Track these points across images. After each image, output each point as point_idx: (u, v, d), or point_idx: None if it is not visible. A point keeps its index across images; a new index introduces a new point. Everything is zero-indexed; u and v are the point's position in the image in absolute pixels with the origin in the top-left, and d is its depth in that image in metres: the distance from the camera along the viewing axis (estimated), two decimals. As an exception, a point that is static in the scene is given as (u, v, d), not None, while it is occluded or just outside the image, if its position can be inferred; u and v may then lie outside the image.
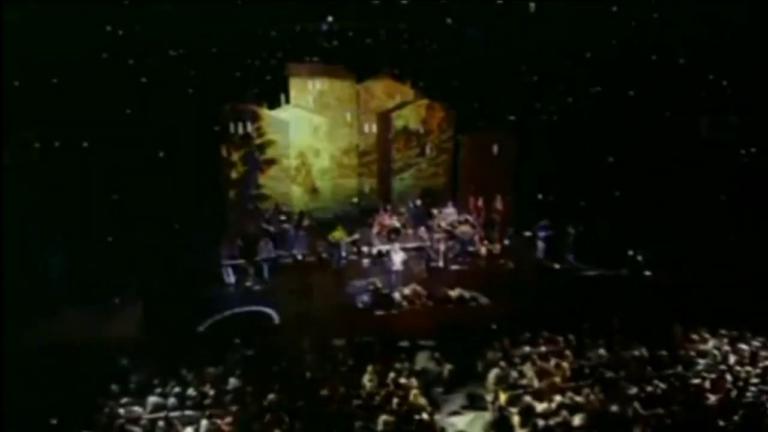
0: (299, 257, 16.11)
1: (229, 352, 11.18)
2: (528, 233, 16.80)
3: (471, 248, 16.16)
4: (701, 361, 10.71)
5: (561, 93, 17.15)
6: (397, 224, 16.49)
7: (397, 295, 13.62)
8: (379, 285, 13.98)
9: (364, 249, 15.99)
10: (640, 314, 12.12)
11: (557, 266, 15.62)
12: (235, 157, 17.10)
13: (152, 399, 9.83)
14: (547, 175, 16.85)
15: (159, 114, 14.98)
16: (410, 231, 16.34)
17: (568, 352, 10.81)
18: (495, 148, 18.03)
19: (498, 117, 18.24)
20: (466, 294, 13.76)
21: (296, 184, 18.18)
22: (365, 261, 15.79)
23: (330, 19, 15.38)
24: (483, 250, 16.26)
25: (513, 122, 18.09)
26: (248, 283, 14.88)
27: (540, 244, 16.00)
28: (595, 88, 16.64)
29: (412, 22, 17.12)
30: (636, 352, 10.78)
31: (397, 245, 14.92)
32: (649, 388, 9.76)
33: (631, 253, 15.24)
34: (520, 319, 12.15)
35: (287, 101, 18.02)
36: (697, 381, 10.11)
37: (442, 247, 15.71)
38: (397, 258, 14.44)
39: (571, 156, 16.55)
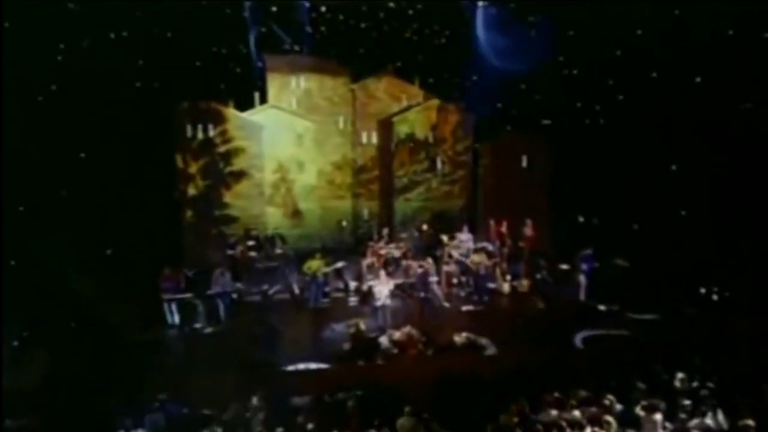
0: (269, 293, 15.46)
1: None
2: (565, 266, 16.10)
3: (491, 284, 15.45)
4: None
5: (608, 89, 16.48)
6: (397, 254, 16.01)
7: (384, 340, 12.71)
8: (363, 327, 13.02)
9: (353, 284, 15.44)
10: (714, 370, 10.98)
11: (603, 308, 14.65)
12: (194, 168, 16.59)
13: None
14: (591, 192, 16.17)
15: (95, 112, 14.46)
16: (412, 263, 15.56)
17: (610, 419, 9.44)
18: (524, 160, 17.67)
19: (528, 120, 17.69)
20: (479, 341, 12.85)
21: (273, 204, 17.66)
22: (352, 299, 15.22)
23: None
24: (506, 287, 15.71)
25: (547, 127, 17.50)
26: (198, 325, 13.88)
27: (582, 280, 15.13)
28: (651, 74, 15.94)
29: (420, 3, 16.76)
30: (710, 422, 9.53)
31: (382, 273, 14.25)
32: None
33: (703, 291, 14.47)
34: (548, 375, 11.09)
35: (263, 100, 17.54)
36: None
37: (453, 281, 15.32)
38: (384, 290, 13.61)
39: (620, 168, 15.93)
